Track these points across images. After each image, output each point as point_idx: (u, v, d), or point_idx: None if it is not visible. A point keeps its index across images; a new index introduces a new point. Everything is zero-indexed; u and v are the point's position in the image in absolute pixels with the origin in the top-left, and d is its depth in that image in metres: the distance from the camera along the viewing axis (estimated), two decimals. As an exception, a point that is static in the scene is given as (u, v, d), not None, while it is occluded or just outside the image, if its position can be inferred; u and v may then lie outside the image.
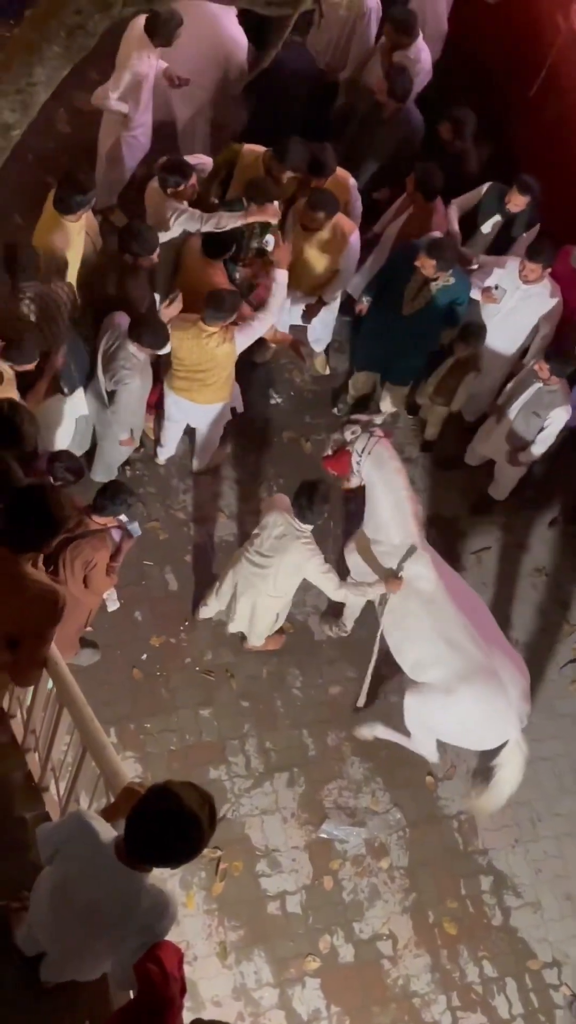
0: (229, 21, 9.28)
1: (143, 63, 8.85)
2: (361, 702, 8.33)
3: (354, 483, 8.15)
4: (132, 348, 7.71)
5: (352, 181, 9.05)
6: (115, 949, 4.37)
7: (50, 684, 5.61)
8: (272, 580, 7.67)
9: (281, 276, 8.28)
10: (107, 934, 4.35)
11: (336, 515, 8.97)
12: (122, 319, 7.81)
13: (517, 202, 8.91)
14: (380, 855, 7.93)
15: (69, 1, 6.24)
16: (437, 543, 8.22)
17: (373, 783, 8.14)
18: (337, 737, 8.29)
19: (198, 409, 8.49)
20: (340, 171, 8.92)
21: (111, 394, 7.92)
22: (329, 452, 8.27)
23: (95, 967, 4.74)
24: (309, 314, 9.04)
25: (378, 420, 8.14)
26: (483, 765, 8.03)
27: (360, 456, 7.92)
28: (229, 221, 8.14)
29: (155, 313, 7.98)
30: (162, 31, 8.60)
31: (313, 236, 8.66)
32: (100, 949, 4.50)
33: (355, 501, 8.48)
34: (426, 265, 8.36)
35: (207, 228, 8.14)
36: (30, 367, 7.10)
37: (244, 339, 8.07)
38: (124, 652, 8.17)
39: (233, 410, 8.82)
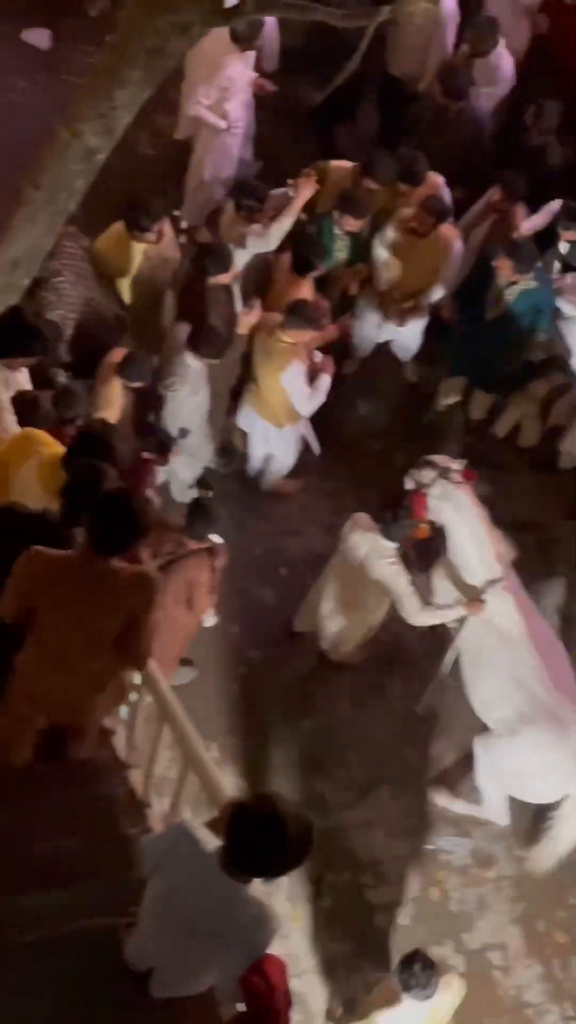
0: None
1: (235, 69, 8.94)
2: (420, 709, 8.23)
3: (427, 530, 7.90)
4: (188, 357, 7.83)
5: (441, 180, 9.03)
6: (219, 961, 4.39)
7: (149, 700, 5.66)
8: (359, 596, 7.65)
9: (325, 380, 8.24)
10: (211, 945, 4.36)
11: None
12: (183, 329, 7.91)
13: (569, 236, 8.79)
14: (486, 865, 7.86)
15: (148, 25, 6.31)
16: (531, 550, 8.13)
17: (477, 793, 8.06)
18: (441, 748, 8.23)
19: (260, 424, 8.55)
20: (429, 174, 8.91)
21: (163, 411, 8.04)
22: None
23: (202, 980, 4.74)
24: (403, 317, 9.00)
25: (456, 465, 7.80)
26: (540, 818, 7.82)
27: (437, 501, 7.72)
28: (286, 219, 8.20)
29: (216, 326, 8.03)
30: (248, 34, 8.68)
31: (418, 242, 8.66)
32: (205, 961, 4.51)
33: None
34: (504, 267, 8.32)
35: (275, 239, 8.22)
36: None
37: (293, 382, 8.08)
38: (222, 667, 8.20)
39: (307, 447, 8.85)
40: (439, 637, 8.49)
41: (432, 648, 8.50)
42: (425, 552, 7.98)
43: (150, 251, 8.17)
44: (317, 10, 6.57)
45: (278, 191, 8.64)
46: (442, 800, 8.05)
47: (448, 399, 9.56)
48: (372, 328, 9.26)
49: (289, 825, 3.99)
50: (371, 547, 7.44)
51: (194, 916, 4.30)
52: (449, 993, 6.34)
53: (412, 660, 8.50)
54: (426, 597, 7.77)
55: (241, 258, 8.28)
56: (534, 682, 7.42)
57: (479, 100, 9.72)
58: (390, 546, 7.42)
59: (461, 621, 7.73)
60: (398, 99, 10.28)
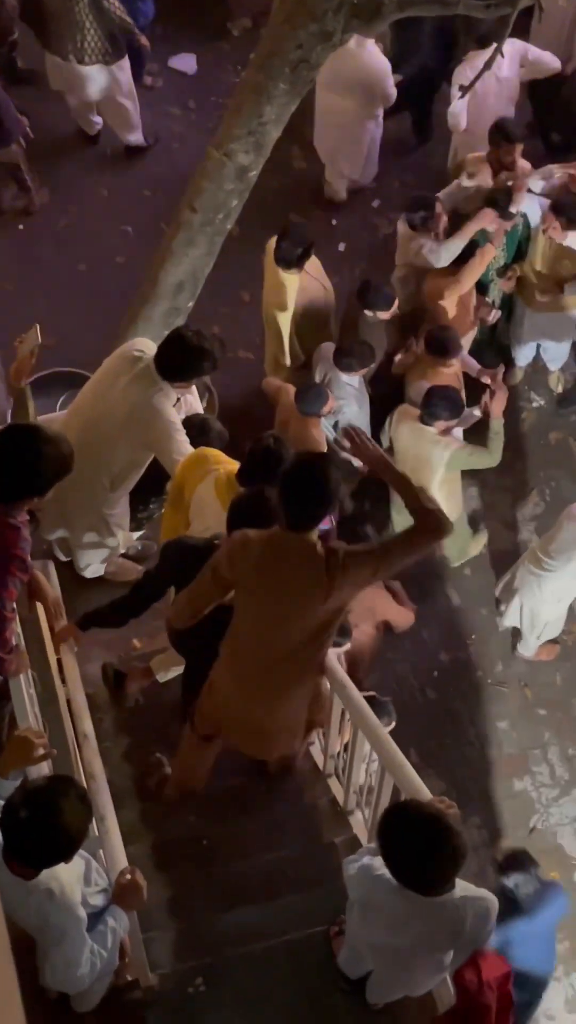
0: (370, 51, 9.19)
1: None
2: None
3: None
4: (343, 377, 7.76)
5: None
6: (443, 965, 4.37)
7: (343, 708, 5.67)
8: (553, 584, 7.54)
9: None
10: (438, 951, 4.34)
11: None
12: (329, 349, 7.88)
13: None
14: None
15: (290, 37, 6.36)
16: None
17: None
18: None
19: None
20: None
21: (334, 426, 7.93)
22: None
23: (422, 981, 4.72)
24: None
25: None
26: None
27: None
28: (459, 240, 8.08)
29: (362, 340, 7.93)
30: None
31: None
32: (423, 963, 4.49)
33: None
34: None
35: (450, 252, 8.11)
36: None
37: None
38: (415, 671, 8.16)
39: None
40: None
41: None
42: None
43: (304, 281, 8.10)
44: (458, 3, 6.51)
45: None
46: None
47: None
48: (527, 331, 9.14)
49: (437, 818, 4.00)
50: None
51: (413, 942, 4.32)
52: None
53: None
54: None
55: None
56: None
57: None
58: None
59: None
60: (546, 85, 10.10)
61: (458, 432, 7.64)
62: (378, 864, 4.30)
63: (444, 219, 8.21)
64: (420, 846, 4.02)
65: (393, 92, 9.27)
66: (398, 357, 8.18)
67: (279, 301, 7.88)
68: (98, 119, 10.36)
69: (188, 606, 5.12)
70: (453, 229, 8.25)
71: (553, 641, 8.21)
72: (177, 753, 5.99)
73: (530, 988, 6.12)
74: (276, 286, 7.85)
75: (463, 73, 8.63)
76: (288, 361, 8.27)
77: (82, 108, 10.18)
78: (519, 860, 6.01)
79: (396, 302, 8.01)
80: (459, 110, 9.00)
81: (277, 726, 5.38)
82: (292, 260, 7.70)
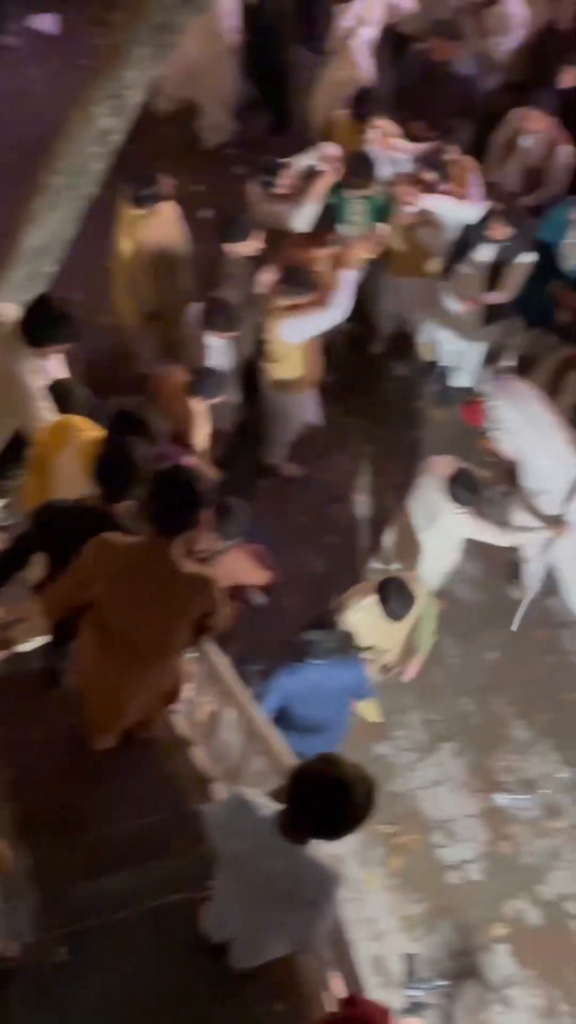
0: None
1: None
2: (515, 626, 8.28)
3: (502, 444, 7.91)
4: (207, 337, 7.75)
5: None
6: (291, 925, 4.41)
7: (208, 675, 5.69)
8: (428, 544, 7.69)
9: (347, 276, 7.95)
10: (281, 911, 4.38)
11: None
12: (196, 308, 7.87)
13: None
14: (555, 815, 7.85)
15: (153, 1, 6.29)
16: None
17: (541, 744, 8.05)
18: (500, 702, 8.23)
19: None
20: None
21: None
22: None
23: (276, 946, 4.77)
24: None
25: (506, 364, 8.02)
26: None
27: (494, 400, 7.76)
28: (309, 206, 8.10)
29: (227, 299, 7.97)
30: None
31: None
32: (276, 926, 4.53)
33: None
34: None
35: (298, 223, 8.14)
36: None
37: (291, 329, 7.91)
38: (280, 639, 8.19)
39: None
40: (490, 589, 8.54)
41: (483, 601, 8.53)
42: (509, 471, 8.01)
43: (157, 225, 8.10)
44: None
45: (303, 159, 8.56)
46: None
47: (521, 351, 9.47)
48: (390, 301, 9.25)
49: (354, 787, 4.00)
50: (438, 504, 7.45)
51: (261, 883, 4.33)
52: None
53: (467, 617, 8.51)
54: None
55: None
56: None
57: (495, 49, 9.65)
58: (459, 507, 7.39)
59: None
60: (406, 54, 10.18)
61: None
62: (259, 803, 4.34)
63: (292, 181, 8.25)
64: (331, 801, 4.02)
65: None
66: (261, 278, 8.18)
67: (127, 238, 7.98)
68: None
69: (57, 604, 5.24)
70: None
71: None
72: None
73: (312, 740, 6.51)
74: (126, 224, 7.94)
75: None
76: (135, 304, 8.34)
77: None
78: (322, 620, 6.45)
79: (257, 238, 8.02)
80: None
81: (135, 701, 5.51)
82: (140, 198, 7.82)
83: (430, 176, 8.34)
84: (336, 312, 7.83)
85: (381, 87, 9.22)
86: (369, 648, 7.07)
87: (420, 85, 9.54)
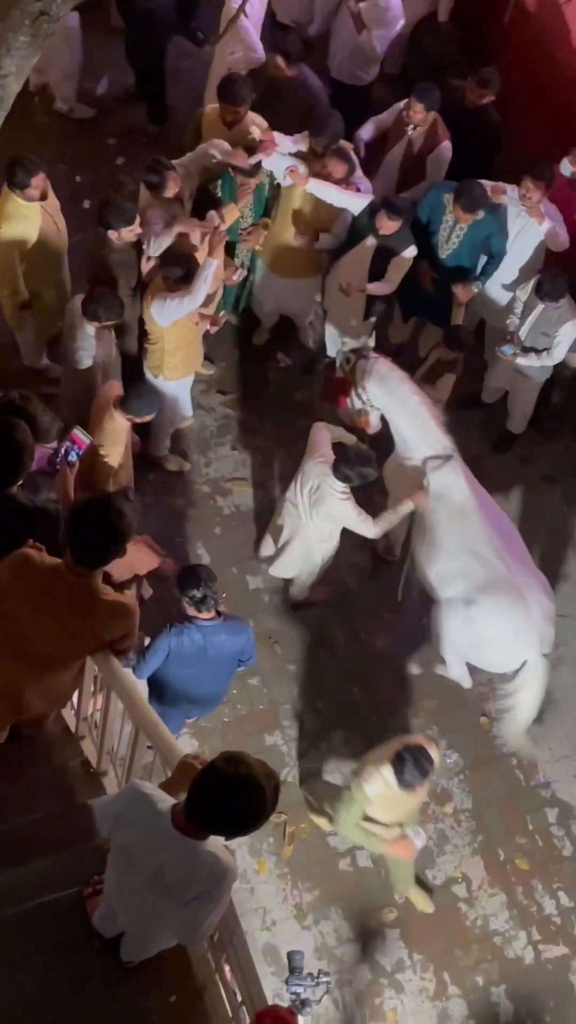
0: None
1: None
2: (400, 596, 8.38)
3: (372, 421, 8.04)
4: (87, 327, 7.65)
5: None
6: (181, 917, 4.39)
7: (96, 670, 5.65)
8: (313, 526, 7.71)
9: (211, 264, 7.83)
10: (171, 903, 4.36)
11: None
12: (78, 300, 7.75)
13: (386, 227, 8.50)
14: (444, 800, 7.95)
15: (30, -13, 6.20)
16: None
17: (428, 730, 8.14)
18: (387, 689, 8.31)
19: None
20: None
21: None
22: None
23: (166, 937, 4.77)
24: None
25: (371, 344, 8.11)
26: (503, 691, 7.78)
27: (362, 380, 7.81)
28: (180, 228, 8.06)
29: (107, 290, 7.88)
30: None
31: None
32: (167, 918, 4.51)
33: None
34: (459, 215, 8.34)
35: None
36: None
37: (159, 311, 7.81)
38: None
39: None
40: (378, 579, 8.60)
41: (371, 590, 8.58)
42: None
43: (37, 215, 7.97)
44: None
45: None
46: (413, 668, 8.32)
47: (396, 340, 9.59)
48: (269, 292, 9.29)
49: (262, 786, 3.99)
50: (321, 482, 7.44)
51: (152, 876, 4.30)
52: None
53: (353, 605, 8.57)
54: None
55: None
56: (488, 553, 7.50)
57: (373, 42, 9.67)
58: (342, 485, 7.40)
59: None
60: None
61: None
62: (155, 796, 4.32)
63: (179, 182, 8.13)
64: (238, 798, 4.00)
65: None
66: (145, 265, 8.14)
67: (3, 227, 7.86)
68: None
69: None
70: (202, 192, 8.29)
71: (324, 583, 8.44)
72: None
73: (194, 708, 7.05)
74: (3, 213, 7.82)
75: None
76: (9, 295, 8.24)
77: None
78: (195, 574, 6.43)
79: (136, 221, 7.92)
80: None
81: (30, 702, 5.51)
82: (17, 184, 7.69)
83: (320, 165, 8.34)
84: (195, 297, 7.74)
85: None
86: (385, 826, 6.83)
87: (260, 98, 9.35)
